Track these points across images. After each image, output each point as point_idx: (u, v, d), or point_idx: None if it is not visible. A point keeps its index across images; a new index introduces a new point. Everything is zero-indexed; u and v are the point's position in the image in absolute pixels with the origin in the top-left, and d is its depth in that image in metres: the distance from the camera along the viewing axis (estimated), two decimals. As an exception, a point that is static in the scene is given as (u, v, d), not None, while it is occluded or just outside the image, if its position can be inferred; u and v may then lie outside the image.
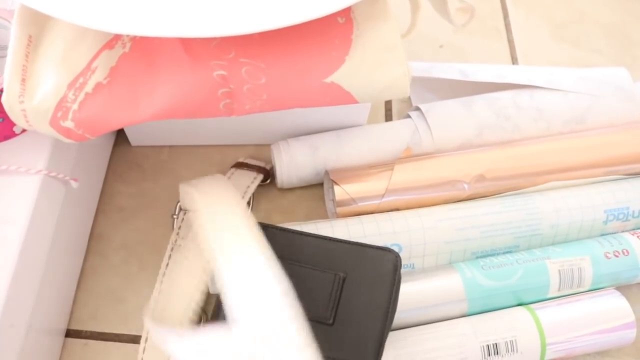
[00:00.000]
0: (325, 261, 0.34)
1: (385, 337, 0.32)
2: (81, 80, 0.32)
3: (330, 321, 0.33)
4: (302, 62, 0.34)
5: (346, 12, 0.35)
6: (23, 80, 0.31)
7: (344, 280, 0.33)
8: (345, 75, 0.34)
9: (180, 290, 0.36)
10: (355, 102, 0.36)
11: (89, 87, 0.32)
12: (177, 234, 0.40)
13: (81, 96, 0.31)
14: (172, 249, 0.40)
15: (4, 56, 0.37)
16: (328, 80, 0.34)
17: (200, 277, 0.36)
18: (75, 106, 0.31)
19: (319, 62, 0.34)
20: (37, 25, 0.34)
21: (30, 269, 0.33)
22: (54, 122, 0.31)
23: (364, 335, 0.32)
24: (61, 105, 0.31)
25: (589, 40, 0.57)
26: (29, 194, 0.33)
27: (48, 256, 0.35)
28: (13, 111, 0.31)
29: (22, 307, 0.32)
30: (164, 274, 0.38)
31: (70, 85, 0.32)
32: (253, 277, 0.29)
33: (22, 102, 0.31)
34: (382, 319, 0.32)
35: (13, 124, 0.34)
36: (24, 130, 0.35)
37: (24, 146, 0.35)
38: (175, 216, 0.42)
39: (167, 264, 0.39)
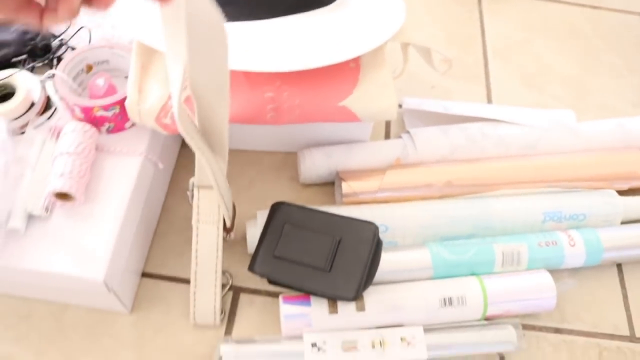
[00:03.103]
0: (327, 229, 0.49)
1: (365, 281, 0.46)
2: (177, 94, 0.48)
3: (329, 269, 0.47)
4: (324, 91, 0.50)
5: (356, 60, 0.51)
6: (139, 91, 0.47)
7: (339, 242, 0.48)
8: (352, 102, 0.50)
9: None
10: (359, 120, 0.51)
11: (181, 98, 0.47)
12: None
13: (177, 104, 0.47)
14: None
15: (119, 76, 0.53)
16: (341, 104, 0.50)
17: None
18: (172, 109, 0.47)
19: (335, 91, 0.50)
20: (147, 56, 0.50)
21: (129, 225, 0.48)
22: (157, 120, 0.47)
23: (350, 278, 0.47)
24: (164, 108, 0.47)
25: (552, 87, 0.71)
26: (133, 169, 0.49)
27: (140, 217, 0.50)
28: (132, 111, 0.47)
29: (122, 253, 0.47)
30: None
31: (170, 96, 0.47)
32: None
33: (139, 105, 0.47)
34: (363, 267, 0.47)
35: (125, 121, 0.50)
36: (131, 126, 0.51)
37: (130, 137, 0.50)
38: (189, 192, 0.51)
39: (197, 235, 0.50)
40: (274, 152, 0.62)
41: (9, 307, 0.50)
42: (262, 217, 0.52)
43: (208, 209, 0.47)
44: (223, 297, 0.52)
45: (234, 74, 0.49)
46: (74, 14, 0.31)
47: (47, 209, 0.45)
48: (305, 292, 0.48)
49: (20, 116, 0.49)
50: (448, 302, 0.49)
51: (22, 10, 0.31)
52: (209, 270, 0.48)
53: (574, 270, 0.56)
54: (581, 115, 0.67)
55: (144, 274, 0.53)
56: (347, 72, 0.50)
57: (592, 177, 0.58)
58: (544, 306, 0.51)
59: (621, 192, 0.58)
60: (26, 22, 0.31)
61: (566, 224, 0.56)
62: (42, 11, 0.31)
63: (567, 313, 0.54)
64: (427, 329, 0.48)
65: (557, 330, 0.53)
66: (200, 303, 0.49)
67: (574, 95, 0.71)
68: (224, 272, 0.53)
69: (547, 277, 0.52)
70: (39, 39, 0.54)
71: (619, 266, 0.57)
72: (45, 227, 0.45)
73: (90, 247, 0.44)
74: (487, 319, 0.51)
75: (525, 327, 0.52)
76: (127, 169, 0.49)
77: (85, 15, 0.34)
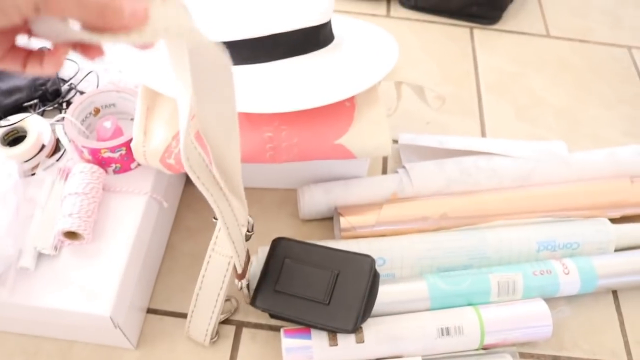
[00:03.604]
0: (325, 263, 0.50)
1: (363, 312, 0.48)
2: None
3: (327, 302, 0.48)
4: (321, 130, 0.52)
5: (351, 99, 0.53)
6: (145, 133, 0.50)
7: (337, 275, 0.50)
8: (348, 140, 0.52)
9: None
10: (354, 157, 0.53)
11: (190, 134, 0.50)
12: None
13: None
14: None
15: (126, 118, 0.56)
16: (337, 142, 0.52)
17: None
18: (176, 150, 0.49)
19: (331, 130, 0.52)
20: (152, 99, 0.52)
21: (134, 262, 0.49)
22: (162, 160, 0.50)
23: (348, 311, 0.48)
24: (168, 149, 0.49)
25: (544, 119, 0.74)
26: (138, 208, 0.51)
27: (145, 254, 0.52)
28: (137, 152, 0.49)
29: (128, 289, 0.49)
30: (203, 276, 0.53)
31: (174, 138, 0.50)
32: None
33: (144, 146, 0.49)
34: (361, 300, 0.48)
35: (131, 162, 0.52)
36: (137, 166, 0.53)
37: (136, 177, 0.52)
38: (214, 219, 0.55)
39: (208, 262, 0.54)
40: (275, 189, 0.64)
41: (17, 345, 0.52)
42: (263, 252, 0.54)
43: (225, 242, 0.49)
44: (223, 322, 0.53)
45: (235, 114, 0.51)
46: (59, 66, 0.32)
47: (56, 248, 0.47)
48: (305, 325, 0.50)
49: (31, 158, 0.51)
50: (445, 332, 0.50)
51: (6, 56, 0.32)
52: (211, 296, 0.49)
53: (570, 298, 0.57)
54: (573, 145, 0.69)
55: (149, 310, 0.55)
56: (342, 111, 0.53)
57: (585, 206, 0.59)
58: (541, 334, 0.52)
59: (614, 220, 0.60)
60: (9, 68, 0.32)
61: (560, 253, 0.57)
62: (26, 58, 0.32)
63: (564, 341, 0.54)
64: (426, 359, 0.49)
65: (555, 358, 0.53)
66: (195, 323, 0.51)
67: (566, 126, 0.73)
68: (229, 299, 0.54)
69: (542, 306, 0.53)
70: (49, 84, 0.56)
71: (615, 293, 0.58)
72: (54, 265, 0.47)
73: (97, 284, 0.46)
74: (484, 348, 0.51)
75: (523, 355, 0.53)
76: (133, 208, 0.50)
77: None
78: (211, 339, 0.51)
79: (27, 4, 0.27)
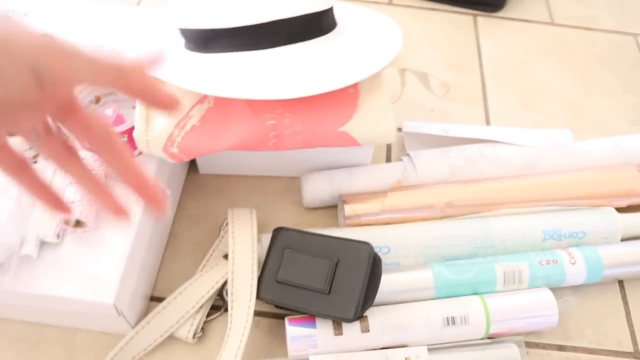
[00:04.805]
0: (325, 252, 0.50)
1: (364, 300, 0.47)
2: (182, 122, 0.49)
3: (327, 291, 0.48)
4: (324, 117, 0.51)
5: (355, 86, 0.53)
6: (147, 121, 0.49)
7: (337, 263, 0.49)
8: (352, 127, 0.51)
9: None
10: (358, 144, 0.52)
11: (187, 127, 0.49)
12: (220, 241, 0.56)
13: (183, 132, 0.49)
14: (213, 250, 0.56)
15: (127, 106, 0.55)
16: (340, 129, 0.51)
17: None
18: (179, 139, 0.49)
19: (335, 117, 0.51)
20: (154, 87, 0.52)
21: (137, 250, 0.49)
22: (165, 148, 0.49)
23: (348, 299, 0.47)
24: (170, 138, 0.49)
25: (548, 107, 0.73)
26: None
27: (148, 242, 0.51)
28: (140, 140, 0.49)
29: (131, 277, 0.48)
30: (202, 268, 0.54)
31: (176, 126, 0.49)
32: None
33: (146, 134, 0.49)
34: (361, 288, 0.48)
35: (133, 150, 0.52)
36: (139, 154, 0.52)
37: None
38: (222, 228, 0.57)
39: (208, 260, 0.55)
40: (278, 177, 0.63)
41: (21, 332, 0.51)
42: (266, 240, 0.54)
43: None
44: (214, 319, 0.53)
45: (238, 102, 0.51)
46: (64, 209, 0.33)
47: (58, 236, 0.47)
48: (307, 314, 0.49)
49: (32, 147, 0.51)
50: (451, 321, 0.50)
51: (15, 169, 0.32)
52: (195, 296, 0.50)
53: (576, 288, 0.56)
54: (578, 134, 0.68)
55: (152, 298, 0.54)
56: (346, 98, 0.52)
57: (591, 195, 0.59)
58: (547, 323, 0.52)
59: (620, 209, 0.59)
60: (16, 182, 0.32)
61: (566, 242, 0.57)
62: (32, 179, 0.32)
63: (570, 330, 0.54)
64: (431, 349, 0.49)
65: (561, 348, 0.53)
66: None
67: (571, 114, 0.72)
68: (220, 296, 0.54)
69: (548, 295, 0.52)
70: (50, 72, 0.56)
71: (621, 283, 0.58)
72: (56, 253, 0.47)
73: (101, 271, 0.46)
74: (490, 337, 0.51)
75: (529, 345, 0.53)
76: (135, 196, 0.50)
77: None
78: (194, 338, 0.51)
79: (23, 73, 0.23)
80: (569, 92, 0.75)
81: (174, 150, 0.49)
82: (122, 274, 0.46)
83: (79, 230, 0.47)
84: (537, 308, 0.52)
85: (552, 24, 0.85)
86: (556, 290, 0.55)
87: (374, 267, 0.49)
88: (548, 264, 0.54)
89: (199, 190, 0.62)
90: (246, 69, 0.49)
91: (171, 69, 0.48)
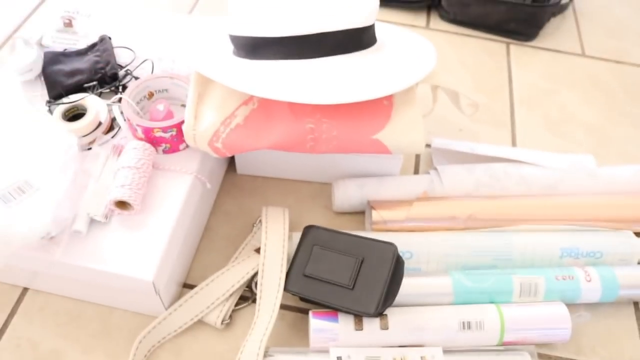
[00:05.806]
0: (351, 250, 0.53)
1: (385, 297, 0.50)
2: (228, 121, 0.53)
3: (352, 287, 0.51)
4: (359, 125, 0.55)
5: (390, 98, 0.56)
6: (195, 117, 0.53)
7: (362, 261, 0.52)
8: (384, 135, 0.55)
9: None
10: (389, 152, 0.56)
11: (232, 125, 0.53)
12: (252, 237, 0.60)
13: (227, 130, 0.53)
14: (245, 244, 0.59)
15: (176, 104, 0.59)
16: (374, 137, 0.55)
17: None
18: (224, 135, 0.53)
19: (369, 125, 0.55)
20: (204, 85, 0.56)
21: (177, 236, 0.53)
22: (210, 143, 0.53)
23: (371, 295, 0.50)
24: (216, 134, 0.53)
25: (574, 134, 0.75)
26: (183, 186, 0.54)
27: (187, 230, 0.55)
28: (188, 134, 0.53)
29: (169, 260, 0.52)
30: (234, 259, 0.58)
31: (222, 123, 0.53)
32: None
33: (194, 129, 0.53)
34: (383, 285, 0.50)
35: (180, 143, 0.56)
36: (185, 148, 0.56)
37: (183, 157, 0.56)
38: (254, 225, 0.61)
39: (240, 252, 0.58)
40: (311, 182, 0.67)
41: (62, 306, 0.55)
42: (296, 238, 0.57)
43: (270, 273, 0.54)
44: (242, 309, 0.56)
45: (281, 104, 0.54)
46: None
47: (106, 216, 0.51)
48: (331, 308, 0.52)
49: (89, 134, 0.55)
50: (467, 326, 0.52)
51: None
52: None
53: (590, 306, 0.58)
54: (601, 161, 0.70)
55: (185, 285, 0.58)
56: (381, 108, 0.56)
57: (610, 218, 0.61)
58: (559, 336, 0.54)
59: (638, 234, 0.61)
60: None
61: (583, 261, 0.59)
62: None
63: (583, 345, 0.56)
64: (447, 351, 0.51)
65: (573, 362, 0.55)
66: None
67: (596, 142, 0.75)
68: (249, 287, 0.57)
69: (563, 309, 0.54)
70: (108, 68, 0.61)
71: (636, 304, 0.59)
72: (104, 231, 0.50)
73: (143, 251, 0.49)
74: (503, 344, 0.53)
75: (541, 356, 0.55)
76: (179, 186, 0.54)
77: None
78: (223, 324, 0.54)
79: None
80: (596, 121, 0.77)
81: (218, 145, 0.53)
82: (162, 256, 0.49)
83: (125, 212, 0.51)
84: (551, 320, 0.54)
85: (583, 55, 0.88)
86: (571, 306, 0.56)
87: (396, 267, 0.52)
88: (564, 279, 0.56)
89: (235, 189, 0.66)
90: (290, 76, 0.52)
91: (221, 71, 0.52)
